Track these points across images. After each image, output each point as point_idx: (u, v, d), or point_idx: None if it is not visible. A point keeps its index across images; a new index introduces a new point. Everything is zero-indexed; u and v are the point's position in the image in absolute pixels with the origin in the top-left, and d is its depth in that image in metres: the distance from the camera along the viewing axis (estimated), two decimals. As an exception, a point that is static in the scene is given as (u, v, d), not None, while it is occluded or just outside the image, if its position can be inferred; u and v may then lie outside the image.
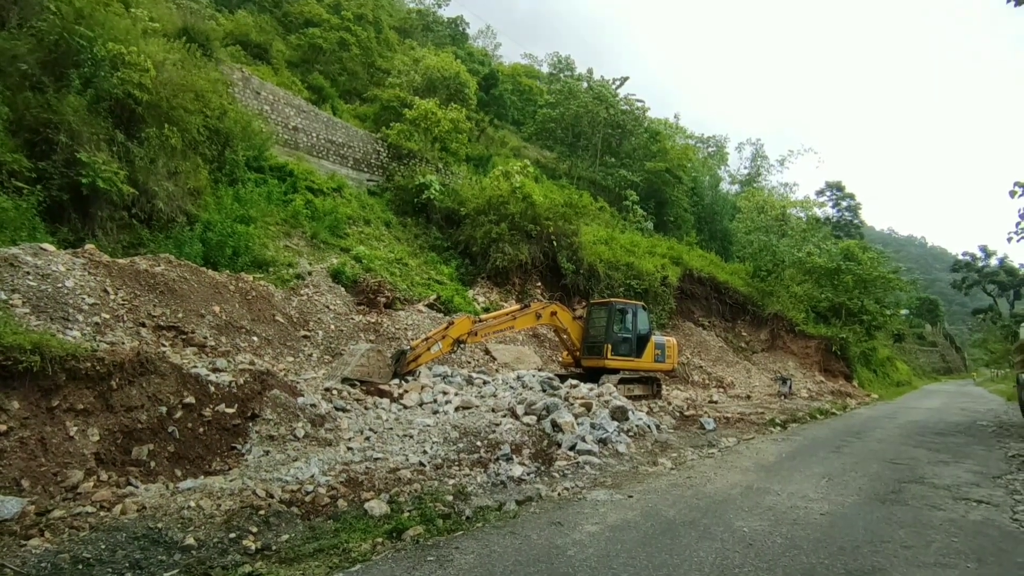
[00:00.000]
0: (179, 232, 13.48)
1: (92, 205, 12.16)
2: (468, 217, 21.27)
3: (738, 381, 23.62)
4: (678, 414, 13.36)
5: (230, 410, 7.43)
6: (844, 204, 63.16)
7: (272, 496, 5.84)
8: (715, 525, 5.89)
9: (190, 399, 7.12)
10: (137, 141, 13.08)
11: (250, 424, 7.54)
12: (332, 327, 14.02)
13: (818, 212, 43.49)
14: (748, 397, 20.39)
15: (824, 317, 31.85)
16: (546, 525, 5.74)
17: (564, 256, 21.81)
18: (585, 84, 39.75)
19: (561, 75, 47.57)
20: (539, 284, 21.56)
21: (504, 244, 20.12)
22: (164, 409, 6.83)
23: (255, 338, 11.97)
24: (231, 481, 6.18)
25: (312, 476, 6.57)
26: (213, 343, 10.79)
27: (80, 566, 4.46)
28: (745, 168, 54.56)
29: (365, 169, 22.92)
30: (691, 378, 22.01)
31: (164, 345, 9.90)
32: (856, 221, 62.50)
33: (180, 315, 10.81)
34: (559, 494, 6.94)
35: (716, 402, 17.88)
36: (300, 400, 8.64)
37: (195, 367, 8.28)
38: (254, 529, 5.21)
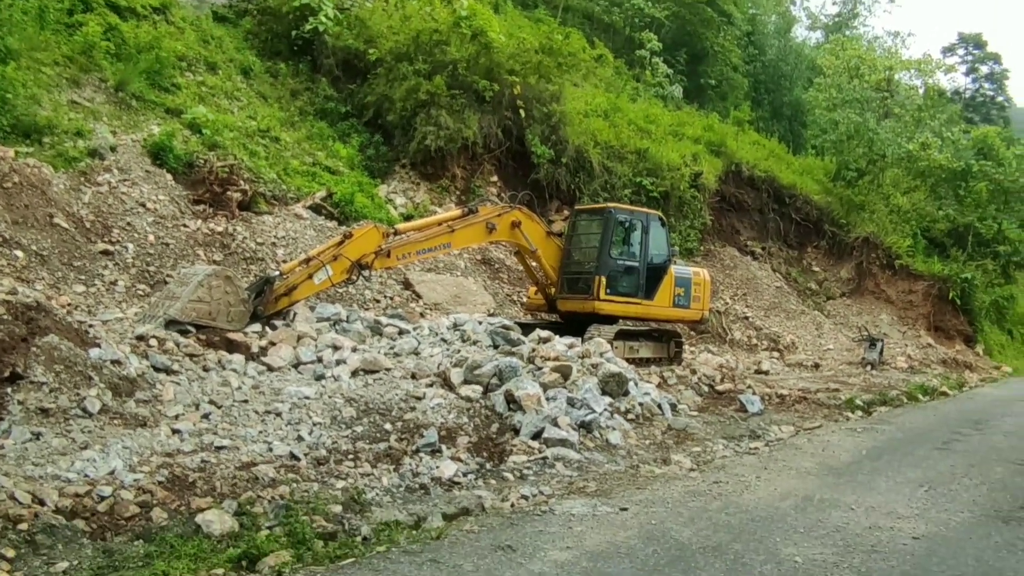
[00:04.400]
0: None
1: None
2: (381, 65, 20.83)
3: (803, 341, 24.31)
4: (707, 388, 13.67)
5: (-26, 366, 7.27)
6: (984, 70, 64.04)
7: (43, 502, 5.76)
8: (752, 553, 6.06)
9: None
10: None
11: (8, 390, 7.39)
12: (151, 238, 13.76)
13: (943, 80, 43.79)
14: (816, 366, 21.09)
15: (940, 246, 32.74)
16: (489, 551, 5.80)
17: (537, 135, 21.69)
18: None
19: None
20: (494, 178, 21.46)
21: (439, 112, 19.83)
22: None
23: (19, 252, 11.68)
24: (-25, 479, 6.07)
25: (112, 473, 6.51)
26: (-54, 258, 10.46)
27: None
28: (834, 3, 54.49)
29: (208, -24, 21.98)
30: (730, 334, 22.53)
31: None
32: (1001, 99, 63.61)
33: None
34: (513, 504, 7.03)
35: (766, 372, 18.40)
36: (94, 353, 8.47)
37: (-87, 295, 7.95)
38: (10, 553, 5.09)
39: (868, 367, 21.39)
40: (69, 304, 11.14)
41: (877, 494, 8.11)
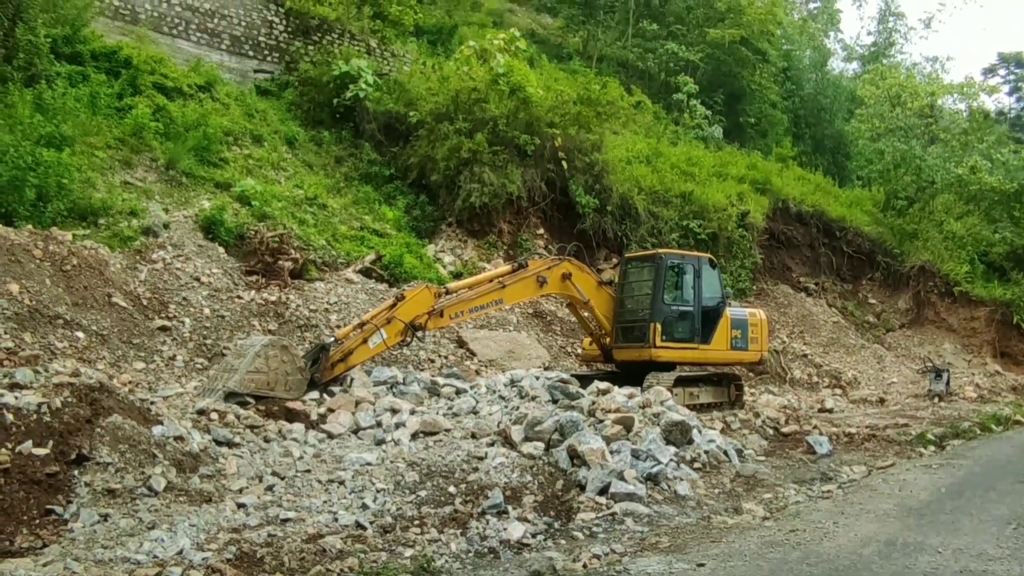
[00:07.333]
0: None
1: None
2: (422, 126, 21.08)
3: (865, 376, 23.75)
4: (772, 431, 13.37)
5: (41, 451, 7.33)
6: (1028, 88, 63.04)
7: (115, 587, 5.75)
8: (840, 605, 5.84)
9: (-27, 435, 6.94)
10: None
11: (76, 472, 7.44)
12: (206, 311, 13.89)
13: (987, 102, 43.23)
14: (881, 401, 20.55)
15: (1000, 270, 31.93)
16: (566, 616, 5.67)
17: (580, 185, 21.71)
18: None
19: None
20: (541, 231, 21.46)
21: (482, 169, 19.98)
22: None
23: (80, 333, 11.82)
24: (46, 565, 6.05)
25: (180, 552, 6.48)
26: (10, 343, 10.62)
27: None
28: (869, 34, 54.23)
29: (250, 53, 22.50)
30: (790, 373, 22.10)
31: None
32: (1047, 115, 62.47)
33: (-47, 299, 10.64)
34: (585, 565, 6.84)
35: (831, 410, 17.97)
36: (158, 431, 8.51)
37: (-20, 383, 8.03)
38: (85, 642, 5.09)
39: (935, 399, 20.76)
40: (130, 382, 11.25)
41: (963, 535, 7.78)
